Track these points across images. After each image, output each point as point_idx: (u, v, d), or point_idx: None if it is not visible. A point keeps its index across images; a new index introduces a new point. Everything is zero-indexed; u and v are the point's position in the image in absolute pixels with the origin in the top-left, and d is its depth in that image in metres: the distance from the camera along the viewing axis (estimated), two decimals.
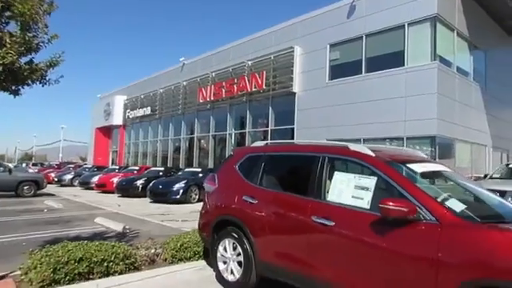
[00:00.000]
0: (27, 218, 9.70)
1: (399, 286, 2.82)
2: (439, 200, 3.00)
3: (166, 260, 5.24)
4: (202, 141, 22.09)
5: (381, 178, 3.19)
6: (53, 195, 16.19)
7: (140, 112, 27.03)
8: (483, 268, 2.44)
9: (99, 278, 4.40)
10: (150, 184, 15.08)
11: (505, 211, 3.38)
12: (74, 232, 7.52)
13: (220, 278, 4.43)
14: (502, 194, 9.09)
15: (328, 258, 3.34)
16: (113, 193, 16.87)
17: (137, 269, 4.84)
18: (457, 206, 3.00)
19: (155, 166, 22.43)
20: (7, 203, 12.81)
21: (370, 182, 3.24)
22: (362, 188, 3.27)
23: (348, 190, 3.36)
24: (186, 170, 17.61)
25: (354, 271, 3.13)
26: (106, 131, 32.79)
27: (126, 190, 16.27)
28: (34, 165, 38.21)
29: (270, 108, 17.33)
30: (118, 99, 30.06)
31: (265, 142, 4.81)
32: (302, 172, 3.89)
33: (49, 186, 18.90)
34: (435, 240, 2.65)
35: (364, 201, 3.19)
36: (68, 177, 22.86)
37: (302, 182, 3.78)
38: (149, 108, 26.00)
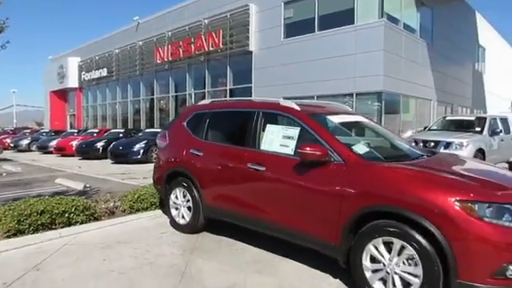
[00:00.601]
0: None
1: (316, 215, 3.40)
2: (348, 144, 3.57)
3: (124, 211, 5.70)
4: (162, 101, 22.04)
5: (303, 128, 3.73)
6: (10, 160, 15.94)
7: (96, 74, 26.24)
8: (374, 197, 3.04)
9: (61, 227, 4.82)
10: (111, 145, 15.08)
11: (411, 153, 4.06)
12: (35, 192, 7.74)
13: (173, 222, 4.98)
14: (436, 143, 10.13)
15: (261, 198, 3.91)
16: (73, 156, 16.81)
17: (97, 219, 5.28)
18: (362, 149, 3.62)
19: (115, 128, 22.24)
20: None
21: (295, 131, 3.78)
22: (288, 137, 3.81)
23: (277, 139, 3.89)
24: (147, 130, 17.55)
25: (282, 207, 3.72)
26: (62, 94, 31.65)
27: (87, 152, 16.26)
28: None
29: (228, 67, 17.50)
30: (72, 61, 28.85)
31: (210, 100, 5.24)
32: (240, 125, 4.37)
33: (5, 151, 18.50)
34: (341, 176, 3.23)
35: (289, 148, 3.74)
36: (25, 142, 22.31)
37: (240, 135, 4.27)
38: (105, 69, 25.28)
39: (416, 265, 2.77)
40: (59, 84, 30.15)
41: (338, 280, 3.41)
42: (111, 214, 5.63)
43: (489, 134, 10.58)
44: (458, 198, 2.67)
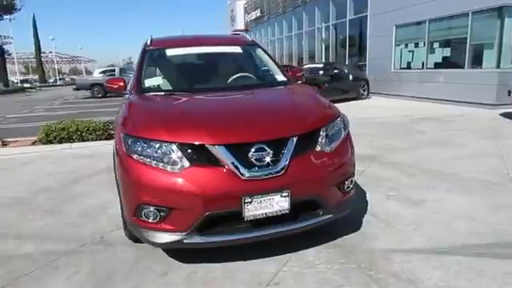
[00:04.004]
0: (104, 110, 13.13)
1: None
2: (141, 78, 3.53)
3: None
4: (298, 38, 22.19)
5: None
6: None
7: (253, 15, 28.30)
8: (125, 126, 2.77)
9: (77, 141, 6.73)
10: None
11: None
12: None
13: None
14: None
15: None
16: None
17: (107, 139, 6.96)
18: (152, 83, 3.57)
19: None
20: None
21: None
22: None
23: None
24: (305, 66, 15.37)
25: None
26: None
27: None
28: None
29: None
30: (239, 4, 31.73)
31: None
32: None
33: None
34: (125, 106, 3.16)
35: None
36: None
37: None
38: (258, 10, 26.94)
39: None
40: (231, 27, 33.92)
41: None
42: None
43: None
44: (121, 132, 2.59)
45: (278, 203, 2.39)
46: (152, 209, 2.37)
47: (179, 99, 3.16)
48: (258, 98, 3.26)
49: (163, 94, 3.34)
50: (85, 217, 3.58)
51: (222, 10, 39.83)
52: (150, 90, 3.45)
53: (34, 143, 6.89)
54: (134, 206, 2.43)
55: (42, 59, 55.96)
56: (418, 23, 12.08)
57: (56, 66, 77.04)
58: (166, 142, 2.38)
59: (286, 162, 2.39)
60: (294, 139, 2.46)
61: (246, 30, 31.60)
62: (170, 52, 3.99)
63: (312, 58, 20.07)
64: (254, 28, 29.88)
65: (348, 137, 2.86)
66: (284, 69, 4.36)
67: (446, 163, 4.88)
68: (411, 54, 12.72)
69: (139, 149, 2.42)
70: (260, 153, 2.35)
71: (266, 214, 2.39)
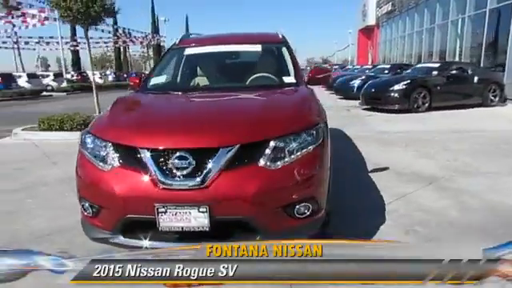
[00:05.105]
0: None
1: None
2: (148, 75, 3.73)
3: None
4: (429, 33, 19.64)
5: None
6: None
7: (384, 9, 26.38)
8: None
9: None
10: (365, 86, 11.91)
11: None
12: None
13: None
14: None
15: None
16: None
17: None
18: (157, 81, 3.64)
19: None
20: None
21: None
22: None
23: None
24: (418, 65, 13.17)
25: None
26: (365, 32, 33.74)
27: (342, 90, 14.92)
28: None
29: None
30: None
31: None
32: None
33: None
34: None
35: None
36: None
37: None
38: (390, 4, 24.95)
39: None
40: (362, 22, 32.37)
41: None
42: None
43: None
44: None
45: (196, 218, 2.17)
46: (87, 204, 2.46)
47: (155, 99, 3.27)
48: (224, 103, 3.02)
49: (157, 93, 3.44)
50: None
51: (355, 5, 38.37)
52: (152, 88, 3.57)
53: None
54: (78, 198, 2.54)
55: None
56: None
57: None
58: (105, 140, 2.44)
59: (210, 175, 2.16)
60: (229, 150, 2.19)
61: (377, 25, 29.82)
62: (188, 51, 4.00)
63: (443, 58, 17.60)
64: (385, 23, 27.84)
65: (315, 153, 2.39)
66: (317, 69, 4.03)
67: None
68: None
69: (87, 145, 2.53)
70: (181, 161, 2.18)
71: (182, 227, 2.20)
